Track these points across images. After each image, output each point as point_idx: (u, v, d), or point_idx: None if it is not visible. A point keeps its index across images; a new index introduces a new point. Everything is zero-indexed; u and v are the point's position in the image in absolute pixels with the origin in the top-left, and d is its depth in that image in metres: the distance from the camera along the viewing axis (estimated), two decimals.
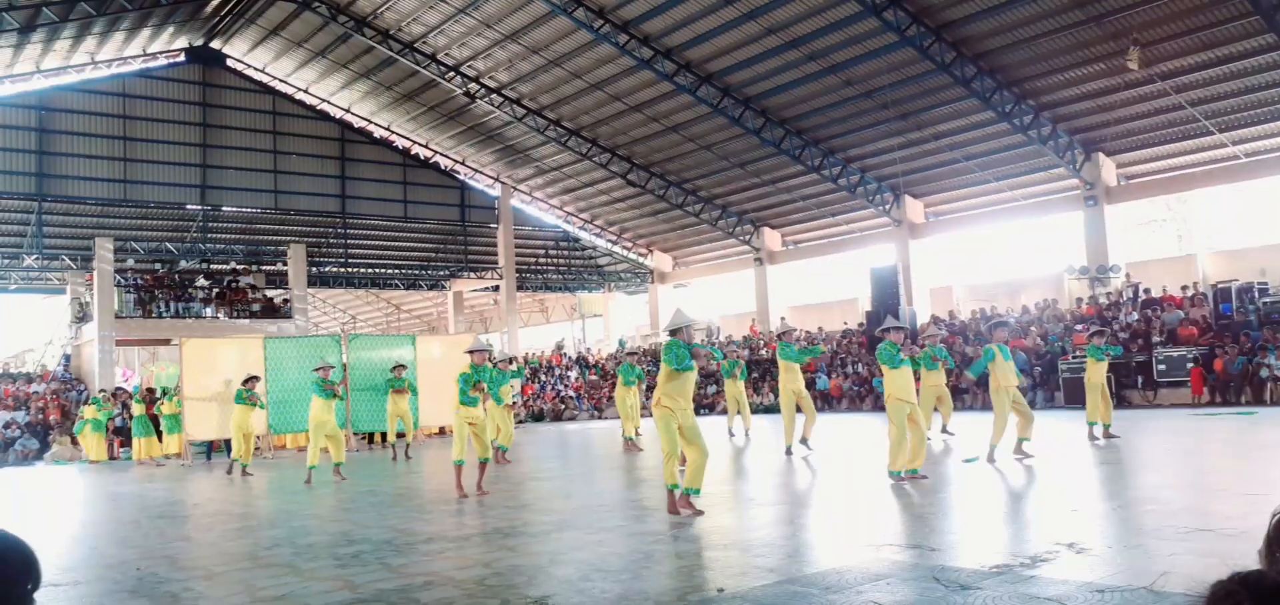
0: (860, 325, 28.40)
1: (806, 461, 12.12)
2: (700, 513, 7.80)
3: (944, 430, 13.79)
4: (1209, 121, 21.44)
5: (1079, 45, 20.62)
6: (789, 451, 12.67)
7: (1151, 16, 19.16)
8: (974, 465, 10.62)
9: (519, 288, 36.17)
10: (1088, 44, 20.48)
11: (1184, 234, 28.58)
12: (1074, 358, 20.59)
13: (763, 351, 29.01)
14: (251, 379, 16.09)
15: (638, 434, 15.75)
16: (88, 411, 21.74)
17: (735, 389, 16.49)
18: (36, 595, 1.69)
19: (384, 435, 18.40)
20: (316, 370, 13.88)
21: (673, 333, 8.23)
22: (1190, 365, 19.15)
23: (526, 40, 25.84)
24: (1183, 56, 20.03)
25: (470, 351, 10.96)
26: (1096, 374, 12.63)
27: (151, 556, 7.47)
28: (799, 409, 13.12)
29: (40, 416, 24.60)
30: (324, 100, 32.49)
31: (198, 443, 20.04)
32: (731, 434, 16.42)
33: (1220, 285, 21.22)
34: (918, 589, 4.96)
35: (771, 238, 32.63)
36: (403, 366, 17.85)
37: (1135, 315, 21.90)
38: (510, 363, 19.79)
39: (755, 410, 25.21)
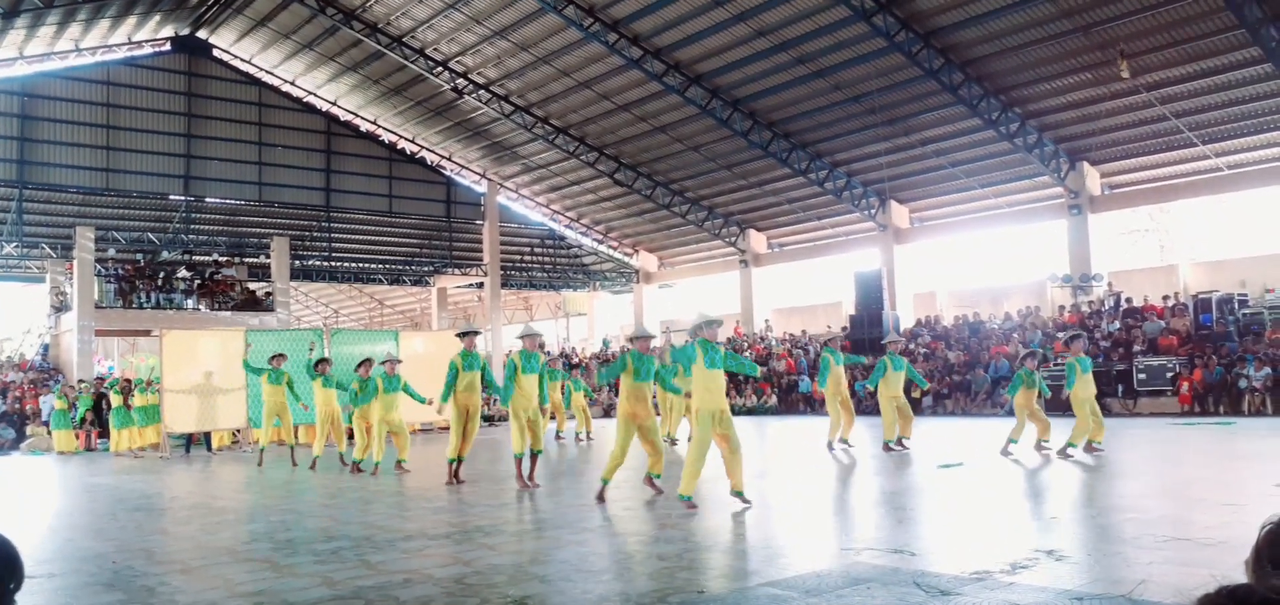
0: (844, 329, 28.49)
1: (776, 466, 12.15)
2: (660, 491, 8.96)
3: (900, 442, 13.46)
4: (1193, 133, 21.61)
5: (1066, 55, 20.75)
6: (831, 446, 13.60)
7: (1138, 28, 19.30)
8: (952, 471, 10.66)
9: (503, 285, 36.03)
10: (1075, 53, 20.62)
11: (1166, 244, 28.86)
12: (1054, 365, 20.71)
13: (747, 354, 29.05)
14: (323, 361, 15.15)
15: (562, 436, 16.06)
16: (57, 402, 21.55)
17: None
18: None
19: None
20: (382, 363, 13.72)
21: (631, 340, 9.34)
22: (1170, 375, 19.31)
23: (515, 37, 25.78)
24: (1168, 68, 20.19)
25: (524, 336, 11.10)
26: (1024, 399, 12.25)
27: (128, 549, 7.40)
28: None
29: (17, 406, 24.35)
30: (311, 93, 32.30)
31: (176, 435, 19.87)
32: (674, 441, 15.75)
33: (1201, 296, 21.42)
34: (897, 594, 4.97)
35: (757, 240, 32.68)
36: (282, 356, 16.33)
37: (1117, 324, 22.06)
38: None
39: (736, 412, 25.27)
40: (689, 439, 15.83)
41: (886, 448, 13.34)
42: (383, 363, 13.76)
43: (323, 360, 15.39)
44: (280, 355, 16.46)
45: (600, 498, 8.85)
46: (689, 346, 8.43)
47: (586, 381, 21.06)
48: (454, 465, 11.12)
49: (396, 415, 13.39)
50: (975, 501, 8.64)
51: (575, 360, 31.78)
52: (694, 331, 8.53)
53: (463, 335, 11.62)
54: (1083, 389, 11.71)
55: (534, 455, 10.71)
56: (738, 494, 8.21)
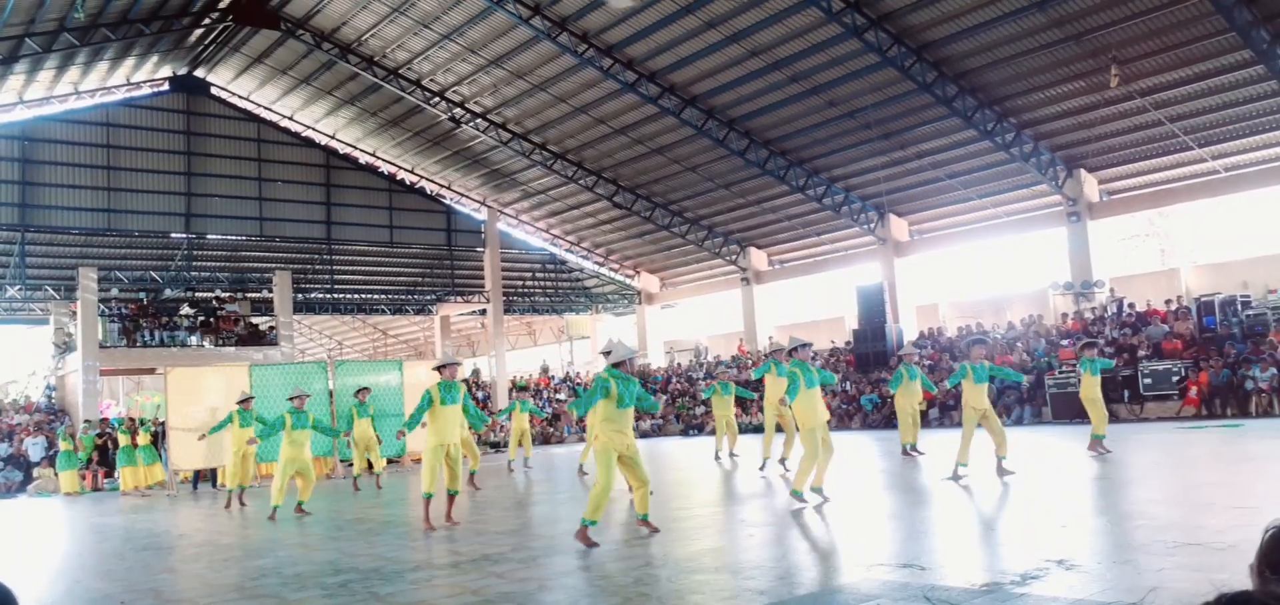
0: (847, 343, 28.49)
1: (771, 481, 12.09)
2: (656, 530, 8.17)
3: (914, 449, 14.12)
4: (1188, 137, 21.65)
5: (1058, 63, 20.81)
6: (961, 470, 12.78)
7: (1129, 34, 19.37)
8: (955, 483, 10.63)
9: (506, 311, 36.08)
10: (1067, 62, 20.68)
11: (1167, 248, 28.83)
12: (1059, 373, 20.70)
13: (752, 372, 29.00)
14: (247, 400, 15.32)
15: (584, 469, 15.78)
16: (62, 445, 21.56)
17: (724, 410, 16.48)
18: None
19: (370, 464, 17.61)
20: (291, 398, 12.99)
21: (616, 366, 8.20)
22: (1175, 379, 19.27)
23: (511, 65, 25.91)
24: (1161, 73, 20.25)
25: (440, 367, 10.40)
26: (1091, 388, 12.80)
27: (136, 589, 7.39)
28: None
29: (22, 448, 24.35)
30: (309, 127, 32.44)
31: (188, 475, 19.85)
32: (718, 457, 16.37)
33: (1203, 298, 21.40)
34: None
35: (758, 257, 32.71)
36: (367, 390, 17.29)
37: (1120, 330, 22.03)
38: (525, 392, 20.05)
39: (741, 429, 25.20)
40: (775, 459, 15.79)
41: (905, 452, 13.98)
42: (292, 398, 12.91)
43: (246, 398, 15.35)
44: (365, 389, 17.20)
45: (584, 539, 7.71)
46: (794, 374, 9.45)
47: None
48: (428, 501, 9.97)
49: (305, 455, 12.57)
50: (985, 512, 8.62)
51: (525, 383, 31.96)
52: (789, 354, 9.91)
53: (441, 367, 10.53)
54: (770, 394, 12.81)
55: (451, 496, 10.07)
56: (817, 489, 9.46)
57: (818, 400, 9.53)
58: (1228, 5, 17.72)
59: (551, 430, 30.65)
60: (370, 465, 16.88)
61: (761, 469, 13.13)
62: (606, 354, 8.46)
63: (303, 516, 12.11)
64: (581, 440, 28.80)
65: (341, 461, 20.70)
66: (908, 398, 14.09)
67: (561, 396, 33.22)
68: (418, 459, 22.16)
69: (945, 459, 13.40)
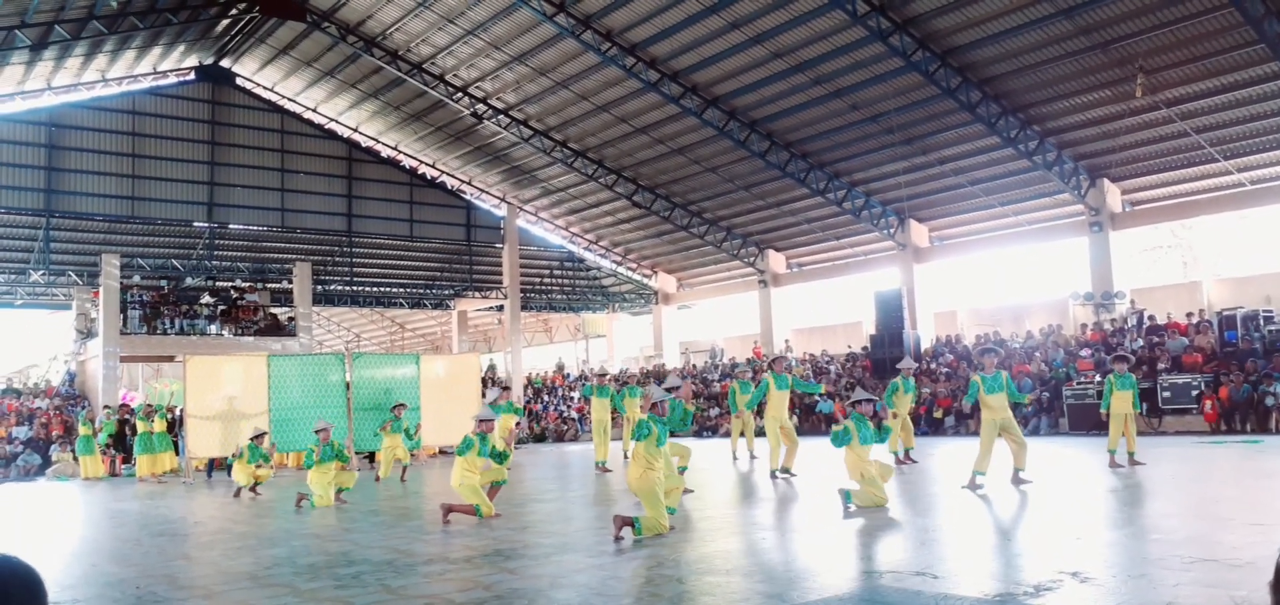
0: (864, 349, 28.37)
1: (788, 485, 12.05)
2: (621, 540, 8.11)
3: (907, 456, 14.56)
4: (1214, 148, 21.44)
5: (1084, 72, 20.65)
6: (774, 475, 13.06)
7: (1156, 44, 19.20)
8: (968, 492, 10.56)
9: (523, 308, 36.15)
10: (1092, 70, 20.52)
11: (1189, 260, 28.56)
12: (1078, 384, 20.54)
13: (733, 384, 28.88)
14: (260, 436, 15.34)
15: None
16: (82, 429, 21.76)
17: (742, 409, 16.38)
18: None
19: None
20: (316, 430, 13.24)
21: (654, 407, 8.45)
22: (1195, 393, 19.08)
23: (534, 62, 25.96)
24: (1187, 83, 20.05)
25: (481, 421, 10.50)
26: (1120, 404, 12.70)
27: (151, 575, 7.46)
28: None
29: (43, 431, 24.62)
30: (332, 119, 32.64)
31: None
32: (752, 459, 16.25)
33: (1225, 312, 21.17)
34: None
35: (776, 260, 32.64)
36: (403, 406, 17.36)
37: (1140, 342, 21.83)
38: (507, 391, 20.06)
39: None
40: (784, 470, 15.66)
41: (898, 459, 14.28)
42: (317, 430, 13.19)
43: (260, 434, 15.39)
44: (402, 405, 17.46)
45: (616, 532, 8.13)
46: (847, 429, 9.54)
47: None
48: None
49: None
50: (999, 522, 8.56)
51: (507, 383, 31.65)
52: (852, 405, 9.98)
53: (481, 421, 10.70)
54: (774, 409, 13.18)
55: (496, 486, 10.46)
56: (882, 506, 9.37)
57: (868, 454, 9.47)
58: (1257, 17, 17.53)
59: (565, 427, 30.70)
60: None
61: (773, 475, 13.12)
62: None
63: (342, 505, 12.41)
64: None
65: (357, 453, 20.80)
66: (896, 407, 14.74)
67: (574, 395, 33.25)
68: (433, 453, 22.27)
69: (949, 467, 13.33)
